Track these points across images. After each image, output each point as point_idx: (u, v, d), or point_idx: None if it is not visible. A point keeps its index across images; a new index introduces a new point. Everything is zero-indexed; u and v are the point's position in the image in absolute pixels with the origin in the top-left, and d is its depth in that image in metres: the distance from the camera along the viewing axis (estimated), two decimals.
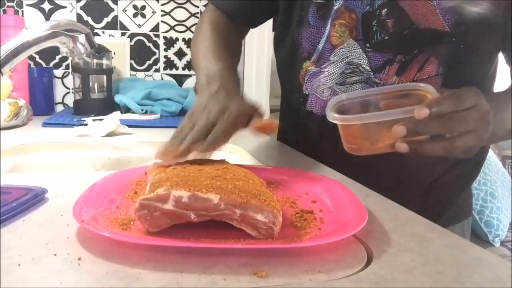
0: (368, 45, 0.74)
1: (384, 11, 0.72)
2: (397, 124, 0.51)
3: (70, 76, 1.53)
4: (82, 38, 0.68)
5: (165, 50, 1.64)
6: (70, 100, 1.55)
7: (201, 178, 0.44)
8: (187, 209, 0.41)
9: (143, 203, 0.41)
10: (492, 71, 0.79)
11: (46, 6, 1.50)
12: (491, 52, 0.76)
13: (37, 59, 1.52)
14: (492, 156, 2.00)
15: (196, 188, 0.41)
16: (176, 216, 0.41)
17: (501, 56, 0.78)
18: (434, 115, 0.50)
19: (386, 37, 0.72)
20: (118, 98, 1.37)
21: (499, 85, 0.80)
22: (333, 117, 0.55)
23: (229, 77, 0.69)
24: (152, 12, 1.61)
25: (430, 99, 0.52)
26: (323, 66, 0.79)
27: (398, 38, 0.72)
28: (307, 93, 0.82)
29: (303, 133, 0.86)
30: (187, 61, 1.66)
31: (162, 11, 1.61)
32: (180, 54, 1.65)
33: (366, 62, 0.74)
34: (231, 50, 0.82)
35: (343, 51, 0.76)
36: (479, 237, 1.82)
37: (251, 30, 1.00)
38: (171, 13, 1.62)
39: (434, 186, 0.80)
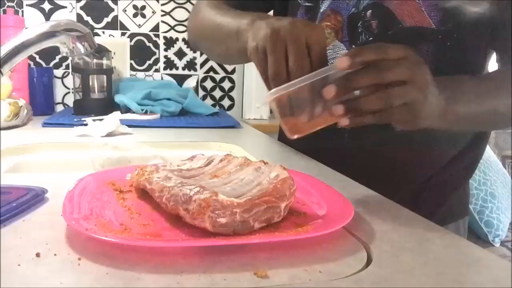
0: (353, 46, 0.75)
1: (368, 12, 0.73)
2: (327, 86, 0.48)
3: (70, 76, 1.53)
4: (82, 38, 0.68)
5: (165, 50, 1.64)
6: (70, 100, 1.55)
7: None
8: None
9: None
10: (482, 69, 0.78)
11: (46, 6, 1.50)
12: (480, 49, 0.75)
13: (37, 59, 1.52)
14: (492, 156, 2.00)
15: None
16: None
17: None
18: (359, 64, 0.47)
19: (371, 38, 0.74)
20: (118, 98, 1.37)
21: None
22: (266, 97, 0.52)
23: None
24: (152, 12, 1.61)
25: (351, 50, 0.49)
26: None
27: (382, 38, 0.73)
28: None
29: None
30: (187, 61, 1.66)
31: (162, 11, 1.62)
32: (180, 54, 1.65)
33: None
34: None
35: (329, 53, 0.77)
36: (479, 237, 1.82)
37: None
38: (171, 13, 1.62)
39: (426, 186, 0.80)
